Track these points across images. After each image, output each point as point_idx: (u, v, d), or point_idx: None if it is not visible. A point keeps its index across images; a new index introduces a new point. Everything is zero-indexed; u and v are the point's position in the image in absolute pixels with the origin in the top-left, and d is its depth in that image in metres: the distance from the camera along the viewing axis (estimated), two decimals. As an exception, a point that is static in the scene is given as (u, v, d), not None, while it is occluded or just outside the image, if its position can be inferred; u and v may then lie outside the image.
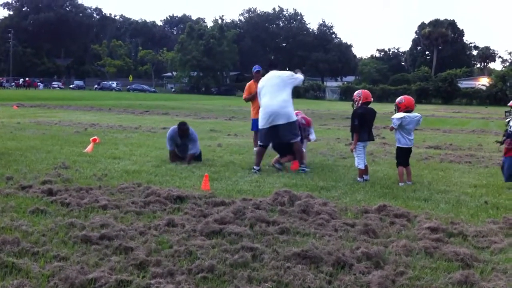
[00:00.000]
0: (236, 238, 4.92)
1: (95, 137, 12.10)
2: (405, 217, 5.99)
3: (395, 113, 8.47)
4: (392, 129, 8.48)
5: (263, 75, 10.19)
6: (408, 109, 8.39)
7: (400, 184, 8.24)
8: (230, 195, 6.97)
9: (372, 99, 8.85)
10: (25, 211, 5.72)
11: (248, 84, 12.17)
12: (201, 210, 5.93)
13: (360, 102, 8.62)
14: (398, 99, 8.65)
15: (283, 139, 9.32)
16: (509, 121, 8.37)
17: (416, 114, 8.47)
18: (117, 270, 4.06)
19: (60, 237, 4.81)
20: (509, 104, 8.55)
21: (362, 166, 8.49)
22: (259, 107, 11.95)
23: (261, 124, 9.37)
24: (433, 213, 6.31)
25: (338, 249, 4.57)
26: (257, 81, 11.75)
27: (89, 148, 10.91)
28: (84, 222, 5.27)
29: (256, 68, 12.11)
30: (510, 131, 8.17)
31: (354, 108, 8.70)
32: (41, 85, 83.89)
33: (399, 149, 8.48)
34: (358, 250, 4.56)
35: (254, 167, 9.13)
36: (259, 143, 9.59)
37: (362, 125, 8.48)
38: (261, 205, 6.26)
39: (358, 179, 8.44)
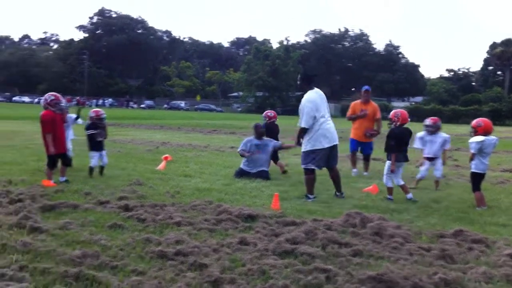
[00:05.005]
0: (308, 259, 4.89)
1: (167, 155, 12.42)
2: (483, 243, 5.77)
3: (472, 136, 8.16)
4: (472, 156, 8.03)
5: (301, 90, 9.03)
6: (486, 134, 8.07)
7: (478, 208, 7.92)
8: (300, 215, 6.95)
9: (409, 120, 8.77)
10: (104, 225, 5.94)
11: (353, 103, 11.99)
12: (272, 229, 5.95)
13: (398, 123, 8.58)
14: (476, 122, 8.19)
15: (332, 162, 8.74)
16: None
17: (493, 137, 8.14)
18: (192, 286, 4.13)
19: (137, 252, 4.96)
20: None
21: (401, 182, 8.54)
22: (358, 129, 11.74)
23: (324, 144, 8.48)
24: (513, 240, 6.04)
25: (415, 274, 4.45)
26: (364, 101, 11.71)
27: (161, 165, 11.22)
28: (159, 238, 5.41)
29: (369, 87, 11.94)
30: None
31: (391, 128, 8.69)
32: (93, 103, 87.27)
33: (475, 175, 8.11)
34: (436, 276, 4.42)
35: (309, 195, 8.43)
36: (311, 167, 8.51)
37: (399, 145, 8.44)
38: (332, 226, 6.21)
39: (409, 195, 8.50)
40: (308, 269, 4.55)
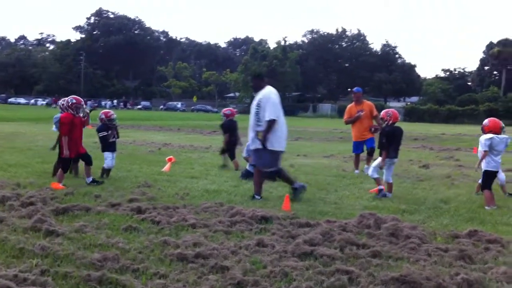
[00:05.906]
0: (328, 261, 4.89)
1: (171, 156, 12.40)
2: (498, 243, 5.77)
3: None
4: (485, 153, 8.06)
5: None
6: (494, 132, 8.13)
7: (486, 207, 7.94)
8: (313, 216, 6.94)
9: (399, 119, 9.17)
10: (119, 228, 5.93)
11: (348, 107, 12.41)
12: (288, 231, 5.94)
13: (390, 121, 8.85)
14: (484, 121, 8.51)
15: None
16: None
17: (504, 135, 8.20)
18: (216, 289, 4.12)
19: (156, 255, 4.94)
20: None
21: (390, 180, 8.79)
22: (359, 130, 11.92)
23: (283, 146, 8.32)
24: (527, 239, 6.05)
25: (437, 275, 4.46)
26: (357, 102, 11.99)
27: (166, 167, 11.21)
28: (176, 240, 5.39)
29: (358, 89, 12.26)
30: None
31: (383, 126, 9.02)
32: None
33: (488, 173, 8.14)
34: (458, 277, 4.42)
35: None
36: (274, 169, 8.31)
37: (391, 143, 8.69)
38: (347, 227, 6.21)
39: (388, 194, 8.68)
40: (329, 271, 4.54)
